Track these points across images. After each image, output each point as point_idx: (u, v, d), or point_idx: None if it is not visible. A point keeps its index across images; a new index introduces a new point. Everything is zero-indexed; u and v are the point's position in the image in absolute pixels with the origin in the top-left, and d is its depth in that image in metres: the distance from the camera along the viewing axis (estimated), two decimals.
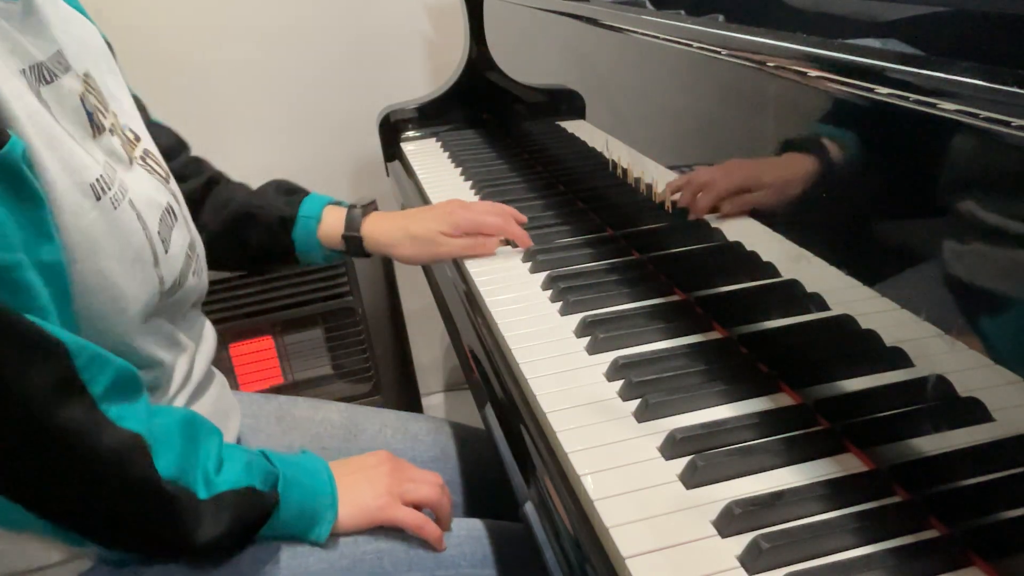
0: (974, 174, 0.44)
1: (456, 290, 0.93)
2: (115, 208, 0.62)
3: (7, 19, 0.59)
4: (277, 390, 1.46)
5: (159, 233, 0.68)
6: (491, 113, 1.52)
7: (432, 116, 1.51)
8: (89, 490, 0.57)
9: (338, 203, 0.97)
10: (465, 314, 0.88)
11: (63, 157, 0.57)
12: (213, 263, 0.88)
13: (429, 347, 1.90)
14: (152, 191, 0.70)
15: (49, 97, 0.60)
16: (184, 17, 1.53)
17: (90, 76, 0.69)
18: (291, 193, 0.97)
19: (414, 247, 0.94)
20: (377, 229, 0.94)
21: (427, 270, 1.05)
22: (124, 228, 0.63)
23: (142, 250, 0.65)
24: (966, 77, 0.43)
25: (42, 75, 0.60)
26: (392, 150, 1.49)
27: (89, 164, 0.60)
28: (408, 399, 1.62)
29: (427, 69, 1.69)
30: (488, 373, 0.77)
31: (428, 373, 1.93)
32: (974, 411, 0.46)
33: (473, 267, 0.93)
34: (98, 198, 0.60)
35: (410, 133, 1.51)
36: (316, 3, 1.58)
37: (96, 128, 0.65)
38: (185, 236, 0.75)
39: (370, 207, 0.97)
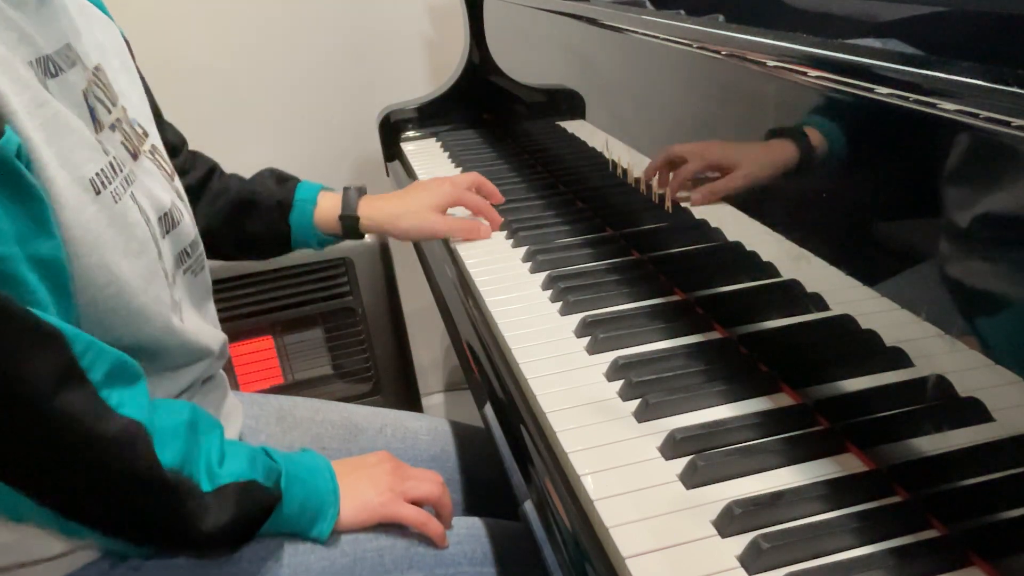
0: (974, 174, 0.44)
1: (456, 290, 0.93)
2: (116, 202, 0.62)
3: (19, 8, 0.59)
4: (277, 390, 1.46)
5: (161, 229, 0.69)
6: (491, 113, 1.52)
7: (432, 116, 1.51)
8: (91, 478, 0.57)
9: (329, 189, 0.99)
10: (465, 314, 0.88)
11: (63, 152, 0.57)
12: (210, 252, 0.89)
13: (429, 347, 1.90)
14: (157, 188, 0.70)
15: (55, 90, 0.60)
16: (184, 17, 1.53)
17: (100, 70, 0.69)
18: (284, 180, 0.98)
19: (409, 221, 0.97)
20: (372, 208, 0.97)
21: (427, 270, 1.05)
22: (126, 222, 0.63)
23: (146, 244, 0.65)
24: (966, 77, 0.43)
25: (48, 68, 0.60)
26: (392, 150, 1.49)
27: (90, 158, 0.60)
28: (408, 399, 1.62)
29: (427, 69, 1.69)
30: (488, 373, 0.77)
31: (428, 373, 1.93)
32: (974, 411, 0.46)
33: (473, 267, 0.93)
34: (98, 192, 0.60)
35: (410, 133, 1.51)
36: (316, 3, 1.58)
37: (97, 124, 0.65)
38: (190, 233, 0.75)
39: (363, 190, 0.99)
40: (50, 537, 0.63)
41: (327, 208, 0.96)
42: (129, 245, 0.62)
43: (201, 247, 0.79)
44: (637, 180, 0.88)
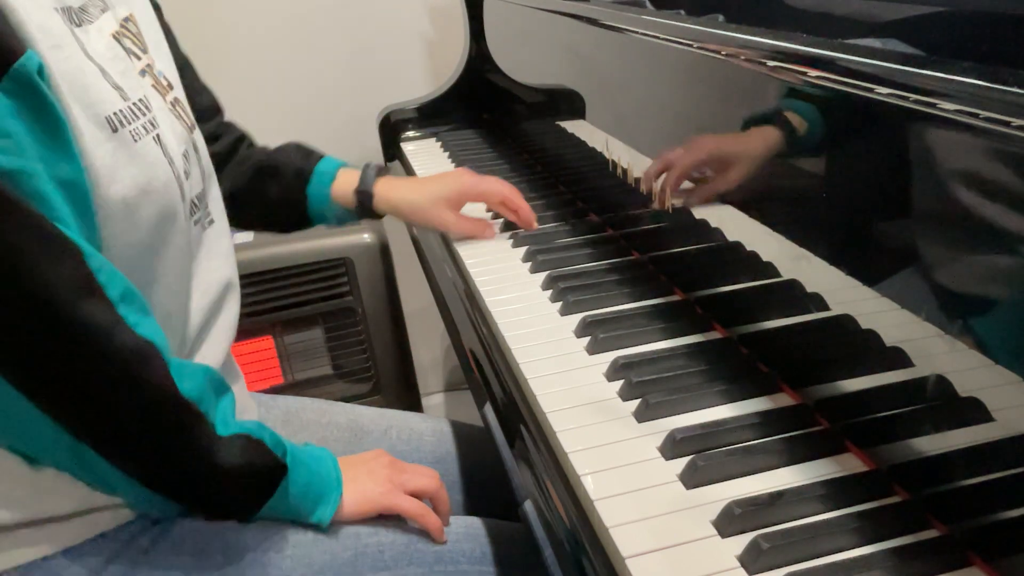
0: (974, 174, 0.44)
1: (456, 290, 0.93)
2: (136, 141, 0.62)
3: None
4: (277, 390, 1.46)
5: (184, 170, 0.69)
6: (491, 113, 1.52)
7: (432, 116, 1.51)
8: (109, 388, 0.58)
9: (354, 167, 1.00)
10: (465, 314, 0.88)
11: (77, 91, 0.57)
12: (236, 220, 0.92)
13: (429, 347, 1.90)
14: (176, 137, 0.71)
15: (82, 36, 0.61)
16: (184, 17, 1.53)
17: (132, 20, 0.71)
18: (308, 154, 1.00)
19: (420, 205, 0.98)
20: (388, 187, 0.98)
21: (427, 270, 1.05)
22: (147, 161, 0.63)
23: (169, 184, 0.65)
24: (966, 77, 0.43)
25: (73, 18, 0.61)
26: (392, 150, 1.49)
27: (106, 99, 0.60)
28: (408, 399, 1.62)
29: (427, 69, 1.69)
30: (488, 373, 0.77)
31: (428, 373, 1.93)
32: (974, 411, 0.46)
33: (473, 267, 0.93)
34: (115, 130, 0.60)
35: (410, 133, 1.51)
36: (316, 3, 1.59)
37: (131, 59, 0.66)
38: (197, 186, 0.75)
39: (385, 169, 1.00)
40: (64, 492, 0.63)
41: (345, 182, 0.97)
42: (151, 184, 0.63)
43: (208, 202, 0.79)
44: (637, 180, 0.88)
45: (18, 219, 0.52)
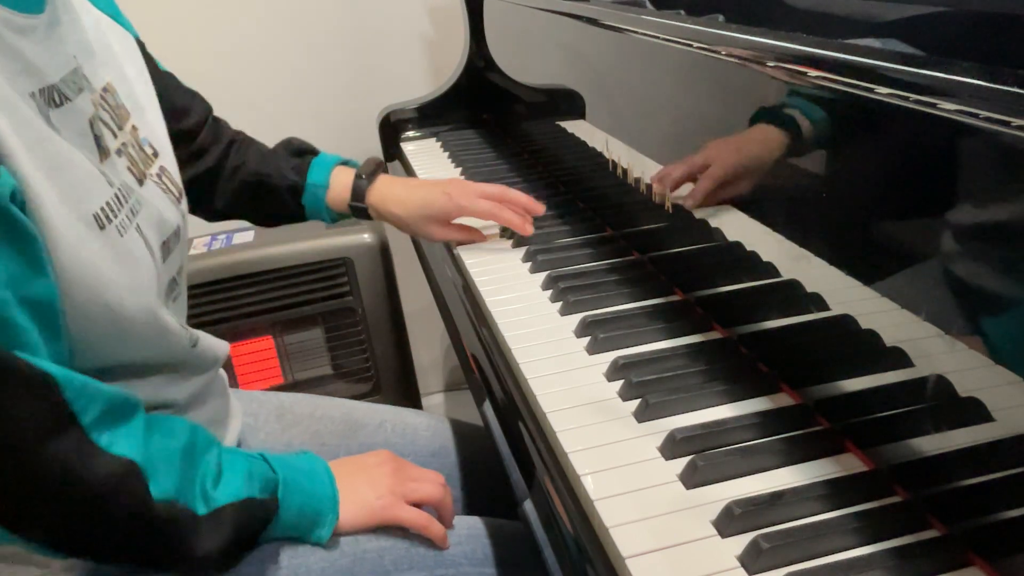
0: (974, 174, 0.44)
1: (456, 290, 0.93)
2: (121, 235, 0.60)
3: (24, 35, 0.57)
4: (277, 390, 1.46)
5: (162, 255, 0.68)
6: (491, 113, 1.52)
7: (432, 116, 1.51)
8: (82, 519, 0.57)
9: (346, 163, 1.00)
10: (465, 314, 0.88)
11: (65, 188, 0.56)
12: (226, 218, 0.97)
13: (429, 347, 1.90)
14: (164, 211, 0.69)
15: (59, 121, 0.58)
16: (184, 17, 1.53)
17: (110, 90, 0.68)
18: (301, 155, 1.00)
19: (410, 218, 0.97)
20: (380, 198, 0.97)
21: (427, 270, 1.05)
22: (132, 256, 0.61)
23: (149, 276, 0.64)
24: (966, 77, 0.43)
25: (52, 98, 0.59)
26: (392, 150, 1.49)
27: (94, 192, 0.59)
28: (408, 399, 1.62)
29: (427, 69, 1.69)
30: (488, 373, 0.77)
31: (428, 373, 1.93)
32: (974, 411, 0.46)
33: (473, 267, 0.93)
34: (102, 227, 0.58)
35: (410, 133, 1.51)
36: (316, 3, 1.58)
37: (102, 152, 0.64)
38: (178, 262, 0.73)
39: (380, 167, 0.99)
40: (31, 562, 0.62)
41: (339, 192, 0.97)
42: (134, 279, 0.61)
43: (182, 281, 0.77)
44: (637, 180, 0.88)
45: None
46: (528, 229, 0.96)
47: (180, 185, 0.76)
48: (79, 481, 0.55)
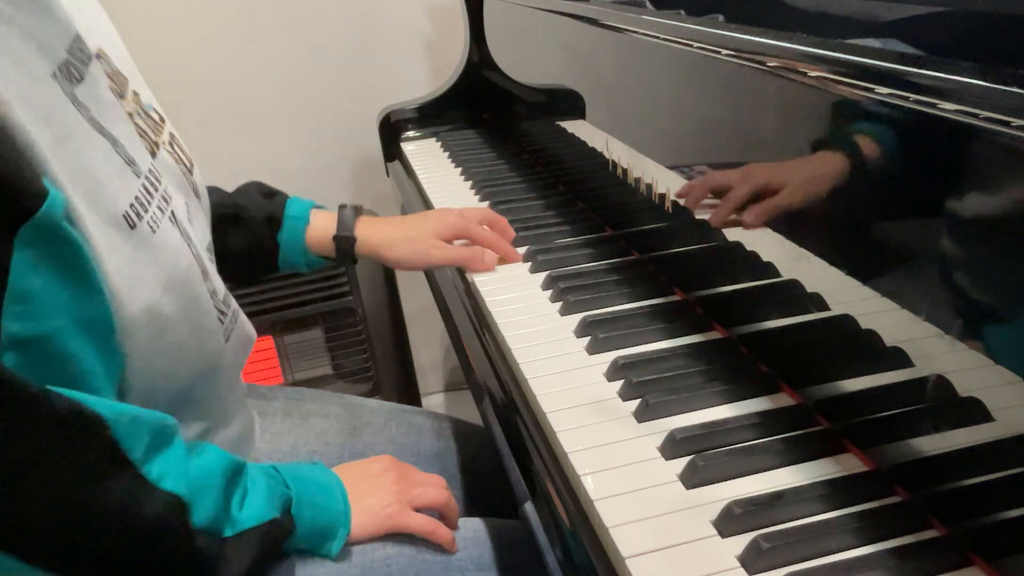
0: (974, 174, 0.44)
1: (456, 290, 0.93)
2: (155, 232, 0.56)
3: (18, 6, 0.50)
4: None
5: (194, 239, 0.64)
6: (491, 113, 1.52)
7: (432, 116, 1.51)
8: (130, 556, 0.55)
9: (320, 207, 0.93)
10: (465, 314, 0.88)
11: (92, 189, 0.51)
12: None
13: (429, 347, 1.90)
14: (180, 186, 0.65)
15: (85, 98, 0.53)
16: (184, 17, 1.53)
17: (103, 55, 0.60)
18: (271, 195, 0.92)
19: (407, 247, 0.90)
20: (370, 230, 0.91)
21: (427, 270, 1.05)
22: (168, 250, 0.58)
23: (190, 269, 0.60)
24: (966, 77, 0.43)
25: (71, 74, 0.53)
26: (392, 150, 1.49)
27: (122, 189, 0.54)
28: (408, 399, 1.62)
29: (427, 69, 1.69)
30: (488, 373, 0.77)
31: (428, 373, 1.93)
32: (974, 411, 0.46)
33: None
34: (132, 226, 0.54)
35: (410, 133, 1.51)
36: (316, 3, 1.58)
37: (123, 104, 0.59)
38: (207, 233, 0.70)
39: (360, 209, 0.93)
40: None
41: (320, 227, 0.90)
42: (173, 276, 0.58)
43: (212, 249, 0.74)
44: (637, 180, 0.88)
45: (34, 417, 0.48)
46: (518, 257, 0.92)
47: (190, 154, 0.72)
48: (135, 519, 0.53)
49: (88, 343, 0.51)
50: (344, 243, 0.90)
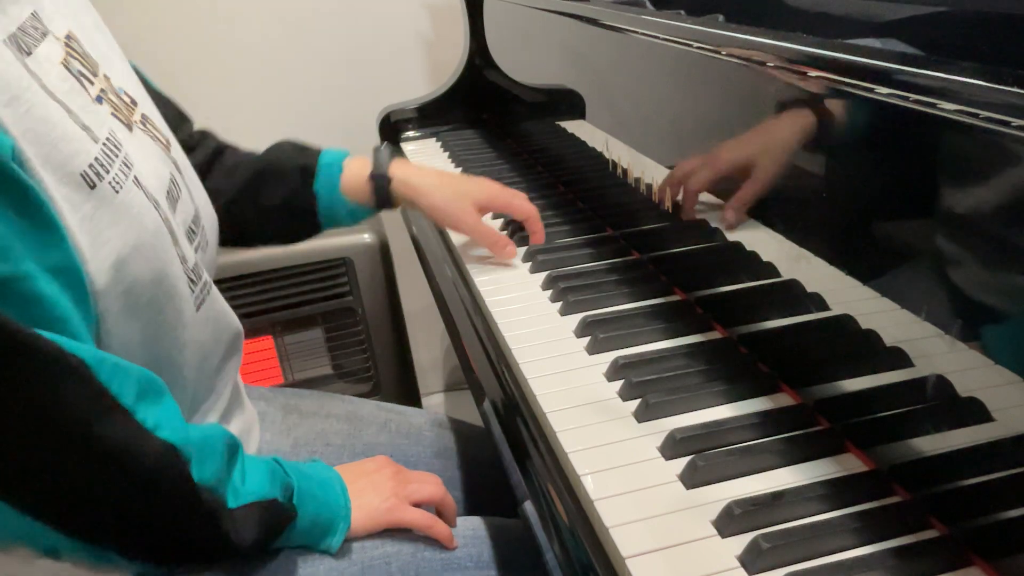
0: (974, 174, 0.44)
1: (456, 290, 0.93)
2: (117, 192, 0.56)
3: None
4: None
5: (170, 207, 0.64)
6: (491, 113, 1.52)
7: (432, 116, 1.51)
8: (130, 504, 0.56)
9: (358, 156, 0.91)
10: (465, 314, 0.88)
11: (46, 150, 0.51)
12: (232, 237, 0.83)
13: (429, 347, 1.90)
14: (156, 160, 0.65)
15: (37, 69, 0.54)
16: (184, 17, 1.53)
17: (73, 37, 0.62)
18: (305, 148, 0.91)
19: (445, 195, 0.87)
20: (409, 171, 0.88)
21: (427, 270, 1.05)
22: (133, 211, 0.58)
23: (158, 231, 0.60)
24: (966, 77, 0.43)
25: (20, 46, 0.53)
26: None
27: (79, 149, 0.54)
28: (408, 399, 1.62)
29: (427, 69, 1.69)
30: (488, 373, 0.77)
31: (428, 373, 1.93)
32: (974, 411, 0.46)
33: (473, 267, 0.93)
34: (92, 186, 0.54)
35: (410, 133, 1.51)
36: (316, 3, 1.59)
37: (86, 83, 0.59)
38: (190, 209, 0.70)
39: (397, 150, 0.93)
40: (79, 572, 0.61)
41: (355, 171, 0.87)
42: (141, 236, 0.58)
43: (203, 220, 0.74)
44: (637, 180, 0.88)
45: (22, 355, 0.48)
46: (543, 237, 0.92)
47: (167, 134, 0.72)
48: (133, 461, 0.54)
49: (61, 290, 0.51)
50: (380, 182, 0.87)
